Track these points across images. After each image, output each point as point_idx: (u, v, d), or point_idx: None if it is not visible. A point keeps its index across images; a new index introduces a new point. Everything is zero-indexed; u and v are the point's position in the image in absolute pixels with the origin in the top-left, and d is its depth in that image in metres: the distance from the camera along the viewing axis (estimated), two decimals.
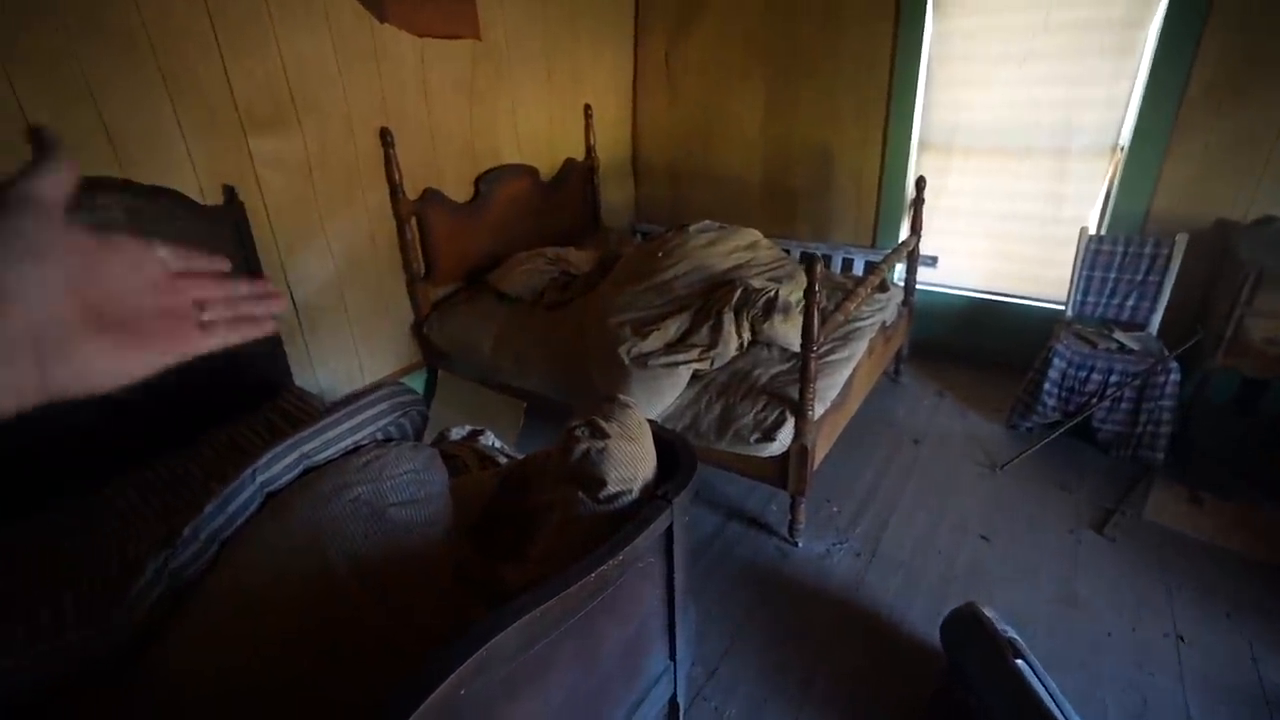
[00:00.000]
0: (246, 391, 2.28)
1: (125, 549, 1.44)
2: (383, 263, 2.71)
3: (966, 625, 1.60)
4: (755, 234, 2.58)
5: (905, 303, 2.90)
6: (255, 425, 2.14)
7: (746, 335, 2.18)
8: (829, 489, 2.43)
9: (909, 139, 3.06)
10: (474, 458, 1.72)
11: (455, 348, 2.75)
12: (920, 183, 2.63)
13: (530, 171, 3.25)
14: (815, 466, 2.06)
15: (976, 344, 3.22)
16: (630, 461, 1.20)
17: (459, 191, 2.92)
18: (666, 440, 1.30)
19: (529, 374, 2.48)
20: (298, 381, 2.43)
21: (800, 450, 1.97)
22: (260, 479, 1.33)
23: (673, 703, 1.44)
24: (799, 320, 2.19)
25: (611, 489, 1.17)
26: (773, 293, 2.17)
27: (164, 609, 1.24)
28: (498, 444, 1.88)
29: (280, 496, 1.35)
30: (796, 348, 2.19)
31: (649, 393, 2.05)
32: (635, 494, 1.18)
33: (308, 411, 2.10)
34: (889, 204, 3.22)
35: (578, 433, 1.23)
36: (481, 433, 1.93)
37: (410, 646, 1.08)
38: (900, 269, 3.06)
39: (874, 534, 2.22)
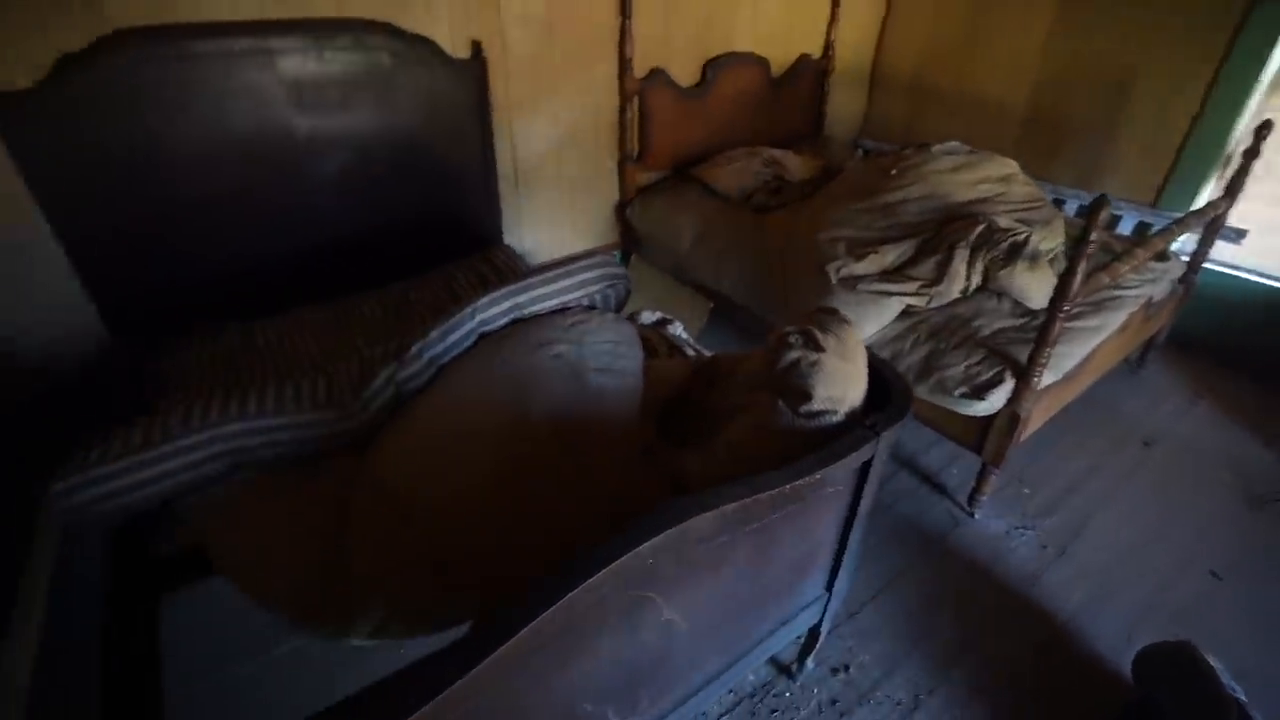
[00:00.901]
0: (463, 241, 2.46)
1: (364, 353, 1.64)
2: (601, 137, 2.71)
3: (1177, 666, 1.37)
4: (1012, 165, 2.21)
5: (1183, 280, 2.38)
6: (468, 272, 2.31)
7: (976, 279, 1.92)
8: (1025, 468, 2.17)
9: (1258, 73, 2.38)
10: (663, 344, 1.72)
11: (653, 235, 2.74)
12: (1265, 130, 2.04)
13: (761, 63, 3.02)
14: (1021, 439, 1.82)
15: (1268, 348, 2.59)
16: (841, 381, 1.11)
17: (685, 75, 2.80)
18: (880, 370, 1.19)
19: (723, 274, 2.41)
20: (506, 240, 2.57)
21: (1010, 417, 1.74)
22: (479, 318, 1.42)
23: (814, 631, 1.41)
24: (1046, 273, 1.88)
25: (815, 406, 1.09)
26: (1022, 236, 1.86)
27: (387, 412, 1.40)
28: (685, 335, 1.86)
29: (491, 339, 1.44)
30: (1033, 303, 1.90)
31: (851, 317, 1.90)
32: (839, 417, 1.10)
33: (513, 269, 2.22)
34: (1196, 155, 2.58)
35: (790, 339, 1.15)
36: (670, 322, 1.92)
37: (598, 507, 1.13)
38: (1186, 238, 2.49)
39: (1068, 531, 1.96)
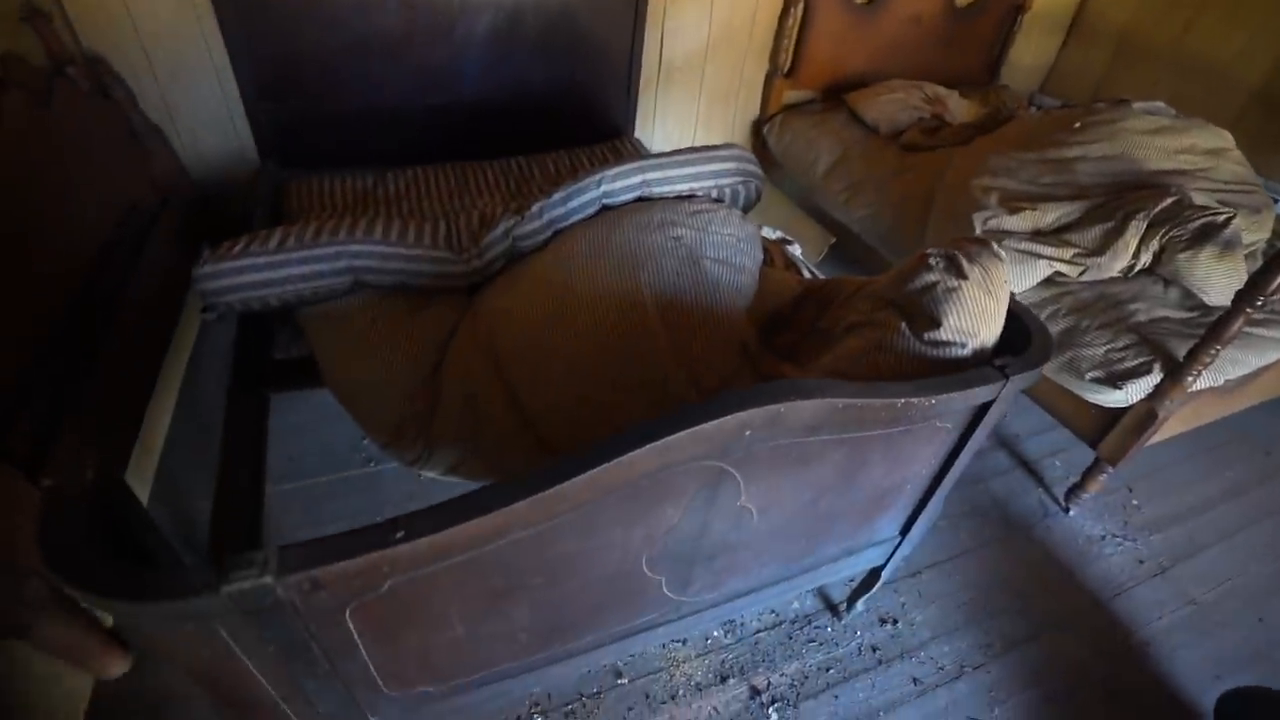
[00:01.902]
0: (592, 127, 2.42)
1: (483, 210, 1.66)
2: (753, 44, 2.54)
3: (1272, 715, 1.24)
4: (1226, 139, 1.89)
5: None
6: (593, 158, 2.28)
7: (1147, 258, 1.69)
8: (1141, 478, 1.97)
9: None
10: (781, 258, 1.64)
11: (787, 158, 2.60)
12: None
13: None
14: (1148, 442, 1.64)
15: None
16: (978, 315, 1.01)
17: None
18: (1020, 316, 1.07)
19: (855, 209, 2.26)
20: (636, 134, 2.51)
21: (1145, 414, 1.57)
22: (604, 188, 1.39)
23: (874, 573, 1.37)
24: (1238, 266, 1.64)
25: (943, 335, 1.00)
26: (1222, 218, 1.61)
27: (500, 263, 1.42)
28: (803, 259, 1.77)
29: (612, 212, 1.41)
30: (1211, 297, 1.66)
31: None
32: (966, 351, 1.01)
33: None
34: None
35: (931, 261, 1.06)
36: (791, 242, 1.83)
37: (691, 391, 1.11)
38: None
39: (1174, 553, 1.78)
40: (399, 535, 0.63)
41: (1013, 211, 1.80)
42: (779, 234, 1.84)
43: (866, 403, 0.83)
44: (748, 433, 0.76)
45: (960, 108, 2.58)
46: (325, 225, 1.38)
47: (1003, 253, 1.08)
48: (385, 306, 1.38)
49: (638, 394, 1.12)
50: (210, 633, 0.63)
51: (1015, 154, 1.94)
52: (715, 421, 0.71)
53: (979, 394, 0.95)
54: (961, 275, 1.02)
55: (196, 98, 1.95)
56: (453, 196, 2.03)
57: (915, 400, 0.87)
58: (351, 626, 0.71)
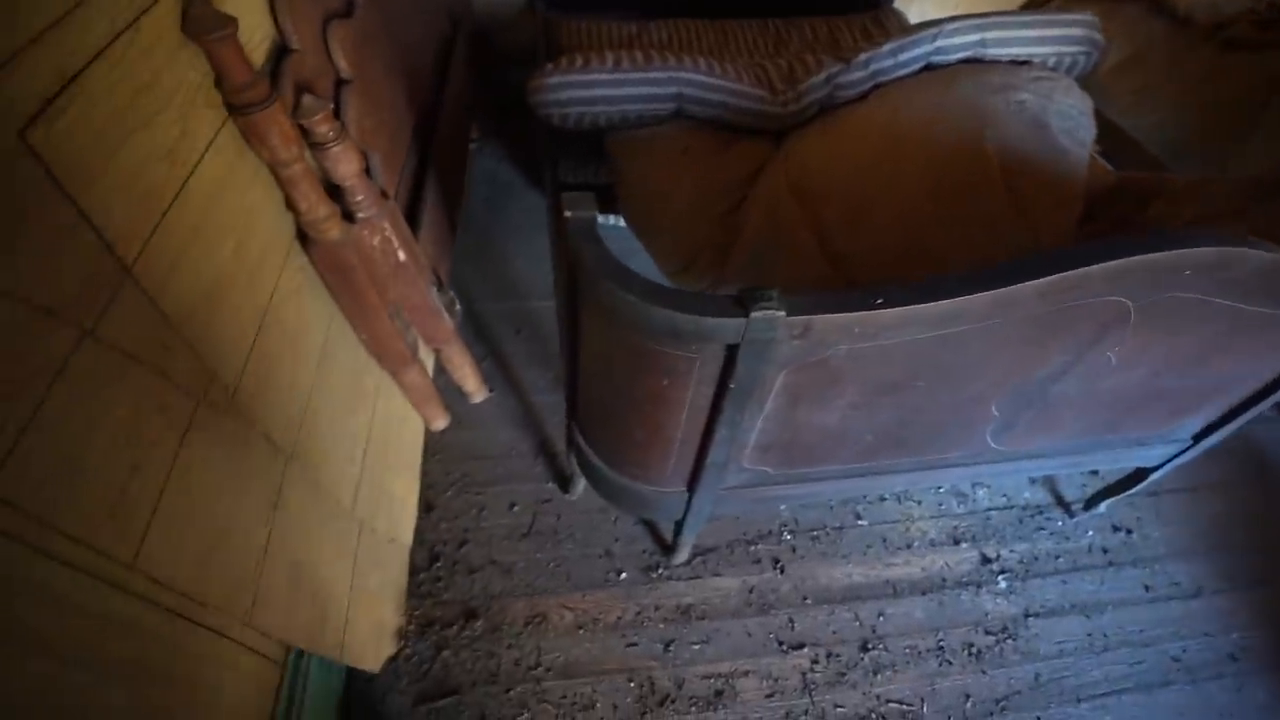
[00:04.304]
0: None
1: (792, 58, 1.64)
2: None
3: None
4: None
5: None
6: (854, 27, 2.17)
7: None
8: None
9: None
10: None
11: None
12: None
13: None
14: None
15: None
16: None
17: None
18: None
19: (1143, 112, 2.04)
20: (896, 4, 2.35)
21: None
22: (938, 43, 1.35)
23: (1141, 473, 1.36)
24: None
25: None
26: None
27: (815, 110, 1.44)
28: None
29: (940, 73, 1.37)
30: None
31: None
32: None
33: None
34: None
35: None
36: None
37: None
38: None
39: None
40: (879, 301, 0.71)
41: None
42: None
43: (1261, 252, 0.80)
44: (1188, 272, 0.77)
45: None
46: (654, 53, 1.44)
47: None
48: (698, 138, 1.45)
49: (972, 241, 1.14)
50: (695, 355, 0.76)
51: None
52: (1174, 252, 0.73)
53: None
54: None
55: None
56: (712, 51, 2.03)
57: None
58: (778, 384, 0.82)
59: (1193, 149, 1.92)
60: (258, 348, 0.92)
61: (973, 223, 1.17)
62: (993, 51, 1.36)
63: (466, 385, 1.55)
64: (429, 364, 1.61)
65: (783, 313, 0.69)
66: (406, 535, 1.35)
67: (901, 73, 1.38)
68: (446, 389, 1.56)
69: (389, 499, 1.32)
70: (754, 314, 0.68)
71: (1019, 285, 0.72)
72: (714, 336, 0.72)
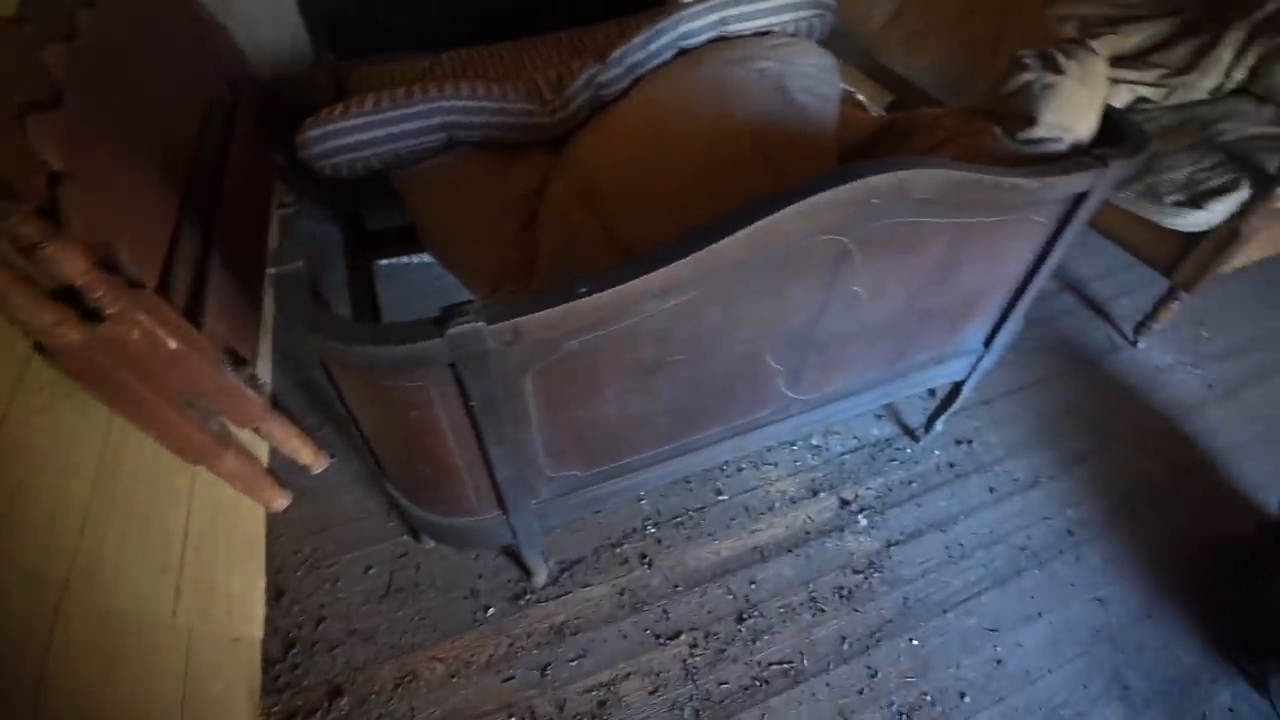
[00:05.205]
0: None
1: (560, 68, 1.67)
2: None
3: None
4: None
5: None
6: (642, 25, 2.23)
7: (1240, 75, 1.64)
8: (1210, 311, 1.99)
9: None
10: (850, 102, 1.64)
11: (843, 10, 2.48)
12: None
13: None
14: (1228, 267, 1.65)
15: None
16: (1074, 108, 1.03)
17: None
18: (1112, 115, 1.09)
19: (916, 58, 2.20)
20: None
21: (1227, 236, 1.57)
22: (682, 29, 1.40)
23: (955, 388, 1.45)
24: None
25: (1039, 132, 1.03)
26: None
27: (584, 113, 1.46)
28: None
29: (691, 54, 1.42)
30: None
31: None
32: (1063, 146, 1.04)
33: None
34: None
35: (1026, 61, 1.07)
36: (856, 94, 1.81)
37: None
38: None
39: (1244, 379, 1.83)
40: (583, 290, 0.72)
41: (1092, 38, 1.74)
42: (842, 86, 1.82)
43: (979, 178, 0.87)
44: (874, 201, 0.82)
45: None
46: (416, 87, 1.43)
47: (1100, 47, 1.08)
48: (477, 162, 1.45)
49: None
50: (422, 382, 0.75)
51: None
52: (851, 184, 0.78)
53: (1078, 181, 0.99)
54: (1059, 70, 1.03)
55: None
56: (508, 73, 2.04)
57: (1023, 182, 0.92)
58: (530, 389, 0.82)
59: (961, 84, 2.08)
60: None
61: (737, 195, 1.20)
62: (735, 27, 1.43)
63: (301, 458, 1.48)
64: (264, 445, 1.53)
65: (482, 323, 0.68)
66: (254, 629, 1.27)
67: (656, 62, 1.43)
68: (287, 464, 1.49)
69: (225, 596, 1.24)
70: (450, 331, 0.67)
71: (718, 244, 0.75)
72: (425, 361, 0.71)
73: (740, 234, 0.75)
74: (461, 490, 0.96)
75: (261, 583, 1.34)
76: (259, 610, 1.31)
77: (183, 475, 1.26)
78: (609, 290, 0.72)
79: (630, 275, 0.72)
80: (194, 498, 1.26)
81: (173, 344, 1.14)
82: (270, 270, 0.76)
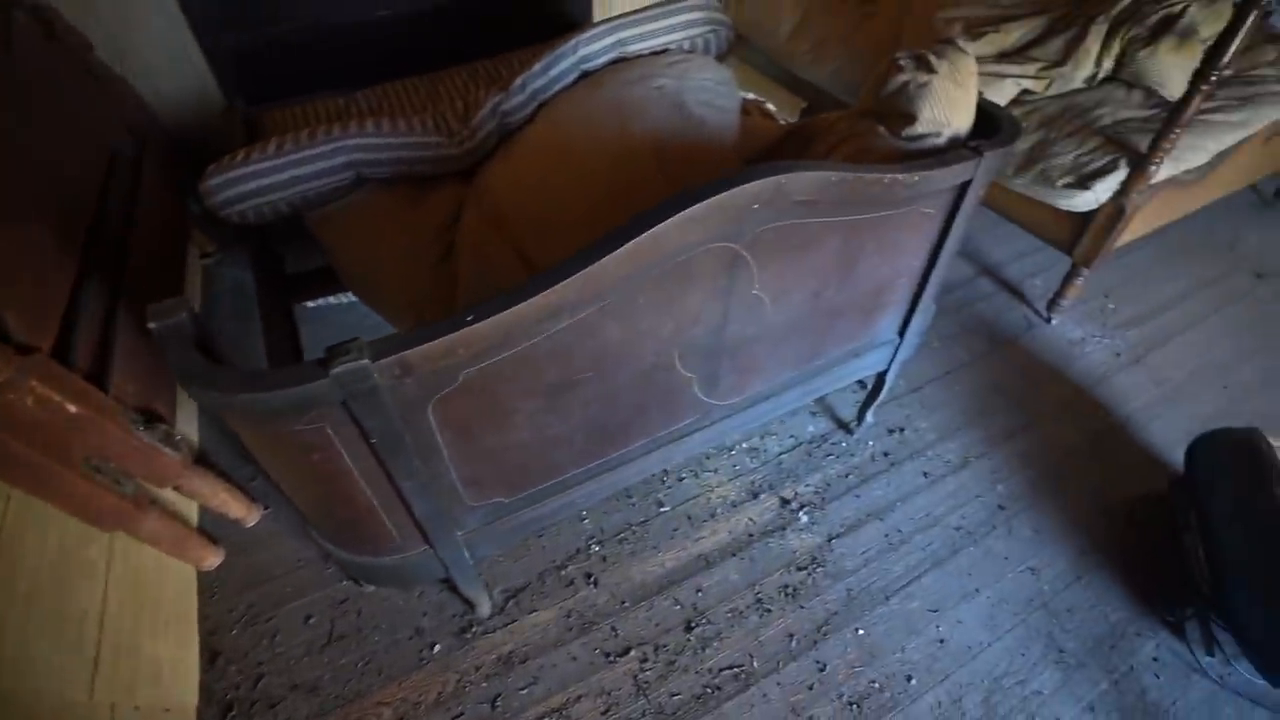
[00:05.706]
0: (550, 22, 2.40)
1: (466, 98, 1.68)
2: None
3: (1233, 449, 1.39)
4: None
5: None
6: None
7: (1108, 64, 1.75)
8: (1115, 285, 2.10)
9: None
10: (757, 111, 1.69)
11: (751, 26, 2.58)
12: None
13: None
14: (1120, 241, 1.75)
15: None
16: (949, 104, 1.09)
17: None
18: (986, 108, 1.15)
19: (822, 65, 2.28)
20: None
21: (1114, 212, 1.67)
22: (581, 52, 1.42)
23: (879, 379, 1.50)
24: (1196, 55, 1.70)
25: (919, 129, 1.09)
26: (1179, 7, 1.66)
27: (492, 141, 1.47)
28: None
29: (593, 76, 1.45)
30: (1172, 91, 1.74)
31: None
32: (942, 140, 1.10)
33: None
34: None
35: (901, 63, 1.12)
36: (765, 102, 1.87)
37: None
38: None
39: (1148, 344, 1.93)
40: (469, 318, 0.72)
41: (976, 37, 1.84)
42: (753, 95, 1.88)
43: (857, 177, 0.91)
44: (755, 206, 0.85)
45: None
46: (319, 128, 1.42)
47: (969, 48, 1.15)
48: (389, 198, 1.44)
49: None
50: (319, 424, 0.74)
51: None
52: (728, 192, 0.81)
53: (957, 172, 1.04)
54: (931, 70, 1.09)
55: (146, 37, 1.92)
56: (424, 106, 2.04)
57: (901, 177, 0.96)
58: (434, 421, 0.82)
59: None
60: None
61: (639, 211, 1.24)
62: (633, 48, 1.46)
63: (231, 511, 1.43)
64: (194, 503, 1.48)
65: (366, 360, 0.68)
66: (188, 697, 1.22)
67: (558, 86, 1.45)
68: (219, 519, 1.44)
69: (153, 666, 1.19)
70: (335, 370, 0.67)
71: (600, 262, 0.77)
72: (314, 403, 0.70)
73: (621, 250, 0.76)
74: (382, 529, 0.95)
75: (195, 646, 1.29)
76: (193, 676, 1.25)
77: (96, 544, 1.20)
78: (494, 317, 0.72)
79: (515, 300, 0.73)
80: (112, 566, 1.21)
81: (72, 408, 1.10)
82: (150, 325, 0.74)
